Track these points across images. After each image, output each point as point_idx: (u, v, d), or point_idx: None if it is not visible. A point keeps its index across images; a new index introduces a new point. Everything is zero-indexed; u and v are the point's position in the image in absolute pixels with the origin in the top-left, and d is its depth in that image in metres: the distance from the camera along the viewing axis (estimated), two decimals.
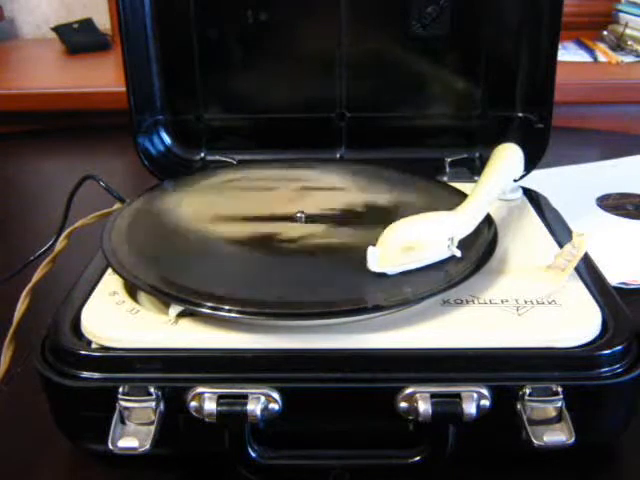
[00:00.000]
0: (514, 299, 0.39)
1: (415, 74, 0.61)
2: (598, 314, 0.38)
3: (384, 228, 0.40)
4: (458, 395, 0.35)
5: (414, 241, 0.40)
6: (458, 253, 0.41)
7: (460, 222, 0.42)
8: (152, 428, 0.35)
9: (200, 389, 0.35)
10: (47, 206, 0.76)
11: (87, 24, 1.41)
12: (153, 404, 0.36)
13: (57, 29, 1.39)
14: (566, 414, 0.36)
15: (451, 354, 0.36)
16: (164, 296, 0.38)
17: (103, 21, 1.47)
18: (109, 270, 0.42)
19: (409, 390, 0.35)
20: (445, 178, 0.59)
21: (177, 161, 0.62)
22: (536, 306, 0.39)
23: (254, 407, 0.35)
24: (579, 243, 0.42)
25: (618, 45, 1.27)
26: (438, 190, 0.52)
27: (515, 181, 0.54)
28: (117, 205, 0.54)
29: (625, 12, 1.32)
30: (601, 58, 1.23)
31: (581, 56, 1.25)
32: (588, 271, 0.43)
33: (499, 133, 0.60)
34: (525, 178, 0.55)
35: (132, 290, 0.41)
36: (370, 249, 0.39)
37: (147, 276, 0.39)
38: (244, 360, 0.36)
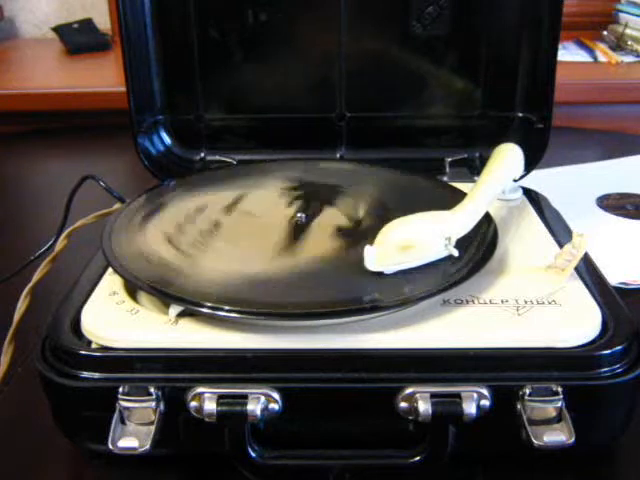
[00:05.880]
0: (514, 299, 0.39)
1: (415, 74, 0.61)
2: (598, 314, 0.38)
3: (382, 227, 0.40)
4: (458, 395, 0.35)
5: (411, 240, 0.40)
6: (455, 252, 0.41)
7: (458, 221, 0.42)
8: (152, 428, 0.36)
9: (200, 389, 0.35)
10: (47, 206, 0.76)
11: (87, 24, 1.41)
12: (153, 404, 0.36)
13: (57, 29, 1.39)
14: (566, 414, 0.36)
15: (451, 354, 0.36)
16: (164, 296, 0.38)
17: (103, 21, 1.47)
18: (109, 270, 0.42)
19: (409, 390, 0.35)
20: (445, 178, 0.59)
21: (177, 161, 0.62)
22: (536, 306, 0.39)
23: (254, 407, 0.35)
24: (579, 243, 0.42)
25: (618, 45, 1.27)
26: (438, 190, 0.52)
27: (515, 181, 0.54)
28: (117, 205, 0.54)
29: (625, 12, 1.32)
30: (601, 58, 1.23)
31: (581, 56, 1.25)
32: (588, 271, 0.43)
33: (499, 133, 0.60)
34: (525, 178, 0.55)
35: (132, 290, 0.41)
36: (367, 248, 0.39)
37: (147, 276, 0.39)
38: (244, 360, 0.36)
